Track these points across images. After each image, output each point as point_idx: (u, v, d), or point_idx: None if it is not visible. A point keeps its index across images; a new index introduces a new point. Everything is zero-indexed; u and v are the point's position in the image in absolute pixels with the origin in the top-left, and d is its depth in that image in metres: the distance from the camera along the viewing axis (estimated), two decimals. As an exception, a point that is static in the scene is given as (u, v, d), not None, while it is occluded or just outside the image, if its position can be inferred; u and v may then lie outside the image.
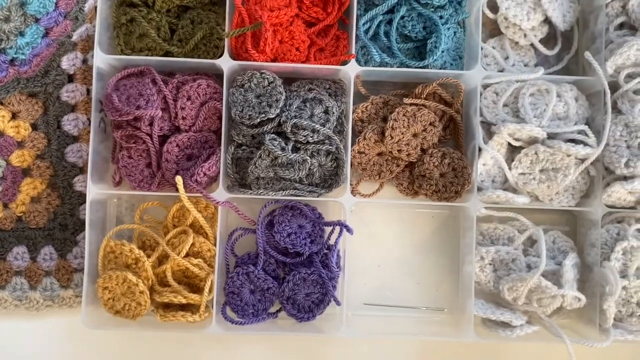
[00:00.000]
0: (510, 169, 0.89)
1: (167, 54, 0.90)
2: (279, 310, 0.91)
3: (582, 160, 0.88)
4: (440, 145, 0.92)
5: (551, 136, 0.90)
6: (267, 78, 0.87)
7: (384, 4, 0.89)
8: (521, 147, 0.90)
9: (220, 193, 0.87)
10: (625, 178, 0.89)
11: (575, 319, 0.92)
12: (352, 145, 0.90)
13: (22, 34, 0.86)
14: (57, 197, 0.93)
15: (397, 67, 0.90)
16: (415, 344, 0.95)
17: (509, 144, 0.91)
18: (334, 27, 0.92)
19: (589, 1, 0.94)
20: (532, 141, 0.90)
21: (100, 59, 0.87)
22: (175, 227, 0.90)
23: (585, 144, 0.88)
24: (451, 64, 0.92)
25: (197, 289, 0.89)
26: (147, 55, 0.89)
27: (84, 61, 0.93)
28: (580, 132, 0.89)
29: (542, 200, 0.91)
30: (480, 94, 0.90)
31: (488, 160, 0.90)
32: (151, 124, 0.87)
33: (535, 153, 0.88)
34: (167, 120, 0.89)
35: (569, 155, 0.88)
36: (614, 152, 0.89)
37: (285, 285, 0.88)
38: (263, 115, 0.86)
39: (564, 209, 0.92)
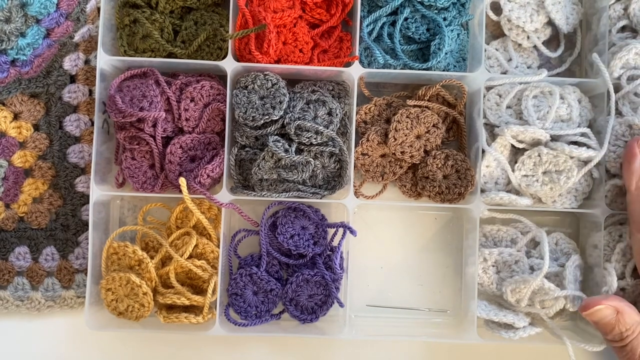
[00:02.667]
0: (513, 170, 0.89)
1: (171, 55, 0.90)
2: (282, 312, 0.91)
3: (585, 163, 0.89)
4: (444, 147, 0.92)
5: (554, 138, 0.90)
6: (270, 79, 0.87)
7: (387, 6, 0.89)
8: (524, 149, 0.90)
9: (223, 195, 0.87)
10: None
11: (578, 320, 0.93)
12: (355, 147, 0.90)
13: (23, 34, 0.86)
14: (59, 197, 0.93)
15: (401, 68, 0.90)
16: (418, 345, 0.95)
17: (512, 145, 0.91)
18: (337, 29, 0.92)
19: (591, 3, 0.94)
20: (535, 143, 0.90)
21: (104, 60, 0.87)
22: (179, 229, 0.90)
23: (589, 147, 0.89)
24: (454, 66, 0.92)
25: (200, 290, 0.89)
26: (150, 56, 0.89)
27: (86, 62, 0.93)
28: (583, 134, 0.89)
29: (545, 202, 0.91)
30: (484, 96, 0.90)
31: (491, 162, 0.90)
32: (154, 126, 0.87)
33: (539, 155, 0.88)
34: (171, 121, 0.88)
35: (572, 158, 0.88)
36: (613, 152, 0.89)
37: (288, 286, 0.88)
38: (266, 117, 0.86)
39: (566, 210, 0.92)
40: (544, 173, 0.89)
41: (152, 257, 0.87)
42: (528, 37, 0.93)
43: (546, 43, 0.95)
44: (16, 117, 0.92)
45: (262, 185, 0.88)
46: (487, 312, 0.88)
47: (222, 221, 0.88)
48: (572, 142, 0.89)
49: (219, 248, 0.88)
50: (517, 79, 0.90)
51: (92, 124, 0.92)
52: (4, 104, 0.91)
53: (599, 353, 0.92)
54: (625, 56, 0.89)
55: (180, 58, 0.89)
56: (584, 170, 0.88)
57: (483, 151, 0.89)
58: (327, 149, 0.87)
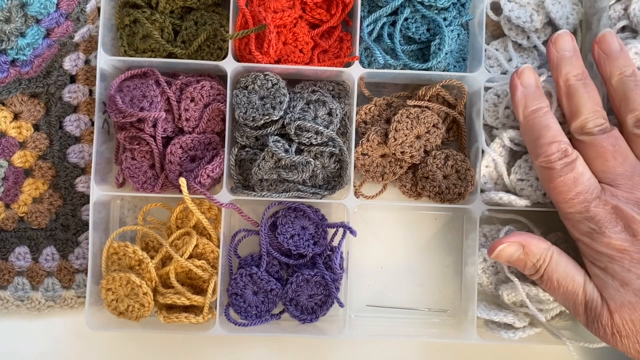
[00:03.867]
0: (509, 174, 0.89)
1: (171, 55, 0.90)
2: (282, 312, 0.91)
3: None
4: (444, 147, 0.92)
5: (554, 139, 0.90)
6: (270, 80, 0.87)
7: (387, 6, 0.89)
8: (523, 152, 0.90)
9: (223, 195, 0.87)
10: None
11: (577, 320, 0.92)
12: (355, 147, 0.90)
13: (23, 34, 0.86)
14: (59, 197, 0.93)
15: (401, 69, 0.90)
16: (417, 345, 0.95)
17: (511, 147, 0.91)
18: (337, 29, 0.92)
19: (591, 3, 0.94)
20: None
21: (104, 60, 0.87)
22: (179, 229, 0.90)
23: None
24: (454, 66, 0.92)
25: (200, 290, 0.89)
26: (150, 56, 0.89)
27: (86, 62, 0.93)
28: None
29: (544, 203, 0.91)
30: (484, 96, 0.90)
31: (491, 162, 0.89)
32: (155, 126, 0.87)
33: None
34: (171, 121, 0.89)
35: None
36: None
37: (288, 286, 0.88)
38: (267, 117, 0.86)
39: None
40: (538, 179, 0.88)
41: (152, 257, 0.87)
42: (528, 37, 0.93)
43: (546, 43, 0.95)
44: (16, 117, 0.92)
45: (262, 185, 0.88)
46: (487, 313, 0.87)
47: (222, 221, 0.88)
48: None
49: (219, 248, 0.88)
50: (517, 79, 0.89)
51: (92, 124, 0.92)
52: (4, 104, 0.91)
53: (599, 353, 0.92)
54: None
55: (180, 58, 0.89)
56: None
57: (483, 151, 0.89)
58: (327, 149, 0.87)
